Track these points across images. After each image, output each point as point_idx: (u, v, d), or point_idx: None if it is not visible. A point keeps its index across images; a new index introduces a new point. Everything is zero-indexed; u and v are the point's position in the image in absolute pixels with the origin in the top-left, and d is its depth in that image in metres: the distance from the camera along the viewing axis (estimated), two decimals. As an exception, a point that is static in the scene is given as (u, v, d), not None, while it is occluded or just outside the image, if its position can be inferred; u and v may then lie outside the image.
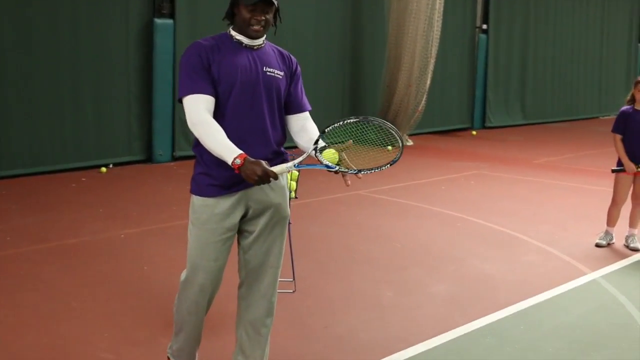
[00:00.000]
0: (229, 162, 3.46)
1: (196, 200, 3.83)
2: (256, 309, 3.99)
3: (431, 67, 14.53)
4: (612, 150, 14.54)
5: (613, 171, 7.50)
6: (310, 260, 6.62)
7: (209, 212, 3.77)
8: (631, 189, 7.48)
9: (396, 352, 4.77)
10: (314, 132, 3.84)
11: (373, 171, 3.65)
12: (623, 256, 7.17)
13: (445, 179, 11.17)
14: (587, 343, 5.05)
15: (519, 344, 4.97)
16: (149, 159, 11.75)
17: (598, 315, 5.59)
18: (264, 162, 3.47)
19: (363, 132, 3.67)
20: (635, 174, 7.34)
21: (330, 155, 3.64)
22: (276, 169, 3.52)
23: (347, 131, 3.68)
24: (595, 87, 22.47)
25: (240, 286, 4.05)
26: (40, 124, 10.43)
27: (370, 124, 3.66)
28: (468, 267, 6.67)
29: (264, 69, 3.75)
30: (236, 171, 3.47)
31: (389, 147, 3.74)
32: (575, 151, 14.77)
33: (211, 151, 3.56)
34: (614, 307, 5.75)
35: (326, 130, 3.67)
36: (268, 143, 3.77)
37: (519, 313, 5.55)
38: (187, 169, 11.24)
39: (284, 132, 3.91)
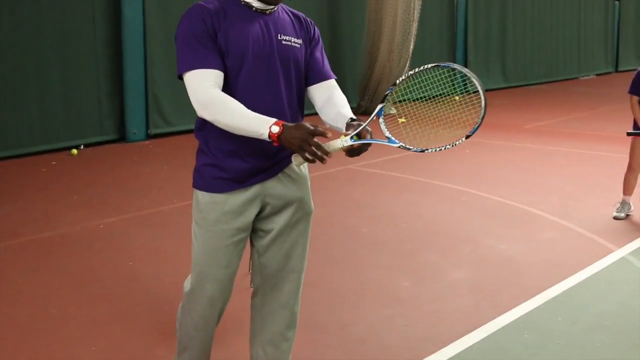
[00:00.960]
0: (264, 134, 2.82)
1: (202, 196, 3.17)
2: (275, 321, 3.38)
3: (414, 30, 13.89)
4: (602, 112, 14.11)
5: (629, 134, 6.94)
6: (311, 246, 5.99)
7: (219, 211, 3.13)
8: (650, 154, 6.94)
9: (427, 355, 4.20)
10: (344, 104, 3.17)
11: (443, 149, 3.06)
12: (646, 228, 6.66)
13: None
14: (634, 336, 4.51)
15: (561, 340, 4.42)
16: (122, 138, 11.03)
17: (638, 300, 5.05)
18: (307, 123, 2.81)
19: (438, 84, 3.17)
20: (653, 138, 6.80)
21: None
22: (327, 145, 2.84)
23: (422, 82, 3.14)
24: (574, 47, 22.00)
25: (254, 295, 3.43)
26: (4, 105, 9.66)
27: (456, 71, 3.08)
28: (484, 248, 6.11)
29: (279, 37, 3.09)
30: (275, 142, 2.82)
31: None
32: (564, 114, 14.26)
33: (235, 131, 2.90)
34: (654, 290, 5.22)
35: (397, 82, 3.09)
36: None
37: (552, 302, 4.99)
38: (163, 148, 10.57)
39: (303, 112, 3.27)
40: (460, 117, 3.30)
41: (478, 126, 3.00)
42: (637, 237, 6.39)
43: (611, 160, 9.75)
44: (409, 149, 3.04)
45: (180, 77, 3.02)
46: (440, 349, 4.28)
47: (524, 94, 18.01)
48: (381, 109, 3.06)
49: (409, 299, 5.04)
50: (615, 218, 6.89)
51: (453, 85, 3.38)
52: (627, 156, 7.11)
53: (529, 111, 14.73)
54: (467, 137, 3.01)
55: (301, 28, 3.19)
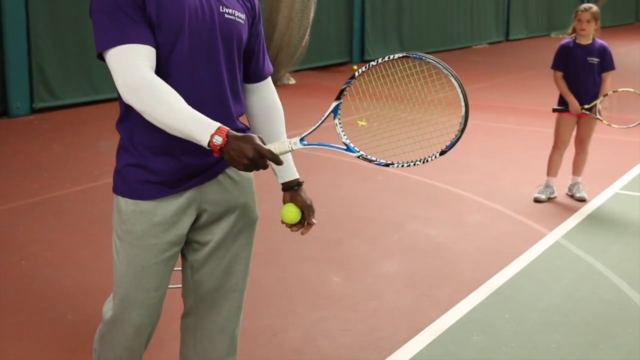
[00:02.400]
0: (203, 141, 2.29)
1: (125, 204, 2.58)
2: (213, 347, 2.82)
3: (315, -3, 13.36)
4: (501, 82, 14.05)
5: (554, 110, 6.67)
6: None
7: (146, 222, 2.55)
8: (574, 132, 6.69)
9: (372, 366, 3.77)
10: (282, 124, 2.78)
11: (411, 165, 2.56)
12: (573, 209, 6.42)
13: (345, 122, 10.12)
14: (587, 333, 4.21)
15: (514, 342, 4.07)
16: (4, 113, 10.06)
17: (583, 290, 4.77)
18: (256, 137, 2.30)
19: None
20: (579, 115, 6.54)
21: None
22: (274, 147, 2.37)
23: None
24: (467, 15, 21.93)
25: (185, 316, 2.86)
26: None
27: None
28: (413, 235, 5.72)
29: (221, 10, 2.52)
30: (216, 154, 2.29)
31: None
32: (465, 84, 13.87)
33: (167, 129, 2.34)
34: (596, 279, 4.95)
35: (356, 74, 2.58)
36: (229, 117, 2.58)
37: (495, 296, 4.65)
38: (51, 123, 9.74)
39: (243, 100, 2.73)
40: (434, 125, 2.80)
41: (457, 139, 2.51)
42: (565, 219, 6.15)
43: (519, 133, 9.57)
44: (370, 161, 2.56)
45: (100, 56, 2.42)
46: (384, 357, 3.86)
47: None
48: (337, 107, 2.56)
49: (342, 298, 4.59)
50: (536, 200, 6.61)
51: (424, 82, 2.87)
52: (535, 129, 6.82)
53: (429, 81, 14.45)
54: (442, 153, 2.51)
55: (247, 1, 2.64)
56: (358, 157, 2.56)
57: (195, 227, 2.66)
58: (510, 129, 9.90)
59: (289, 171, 2.74)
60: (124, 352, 2.74)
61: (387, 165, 2.53)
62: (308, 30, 13.51)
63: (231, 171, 2.65)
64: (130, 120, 2.51)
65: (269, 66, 2.78)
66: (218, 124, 2.30)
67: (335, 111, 2.58)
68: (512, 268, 5.07)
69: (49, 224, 5.81)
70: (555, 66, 6.68)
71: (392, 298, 4.61)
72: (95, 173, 7.02)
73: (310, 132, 2.52)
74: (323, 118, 2.54)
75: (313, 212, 2.74)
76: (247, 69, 2.71)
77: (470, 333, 4.15)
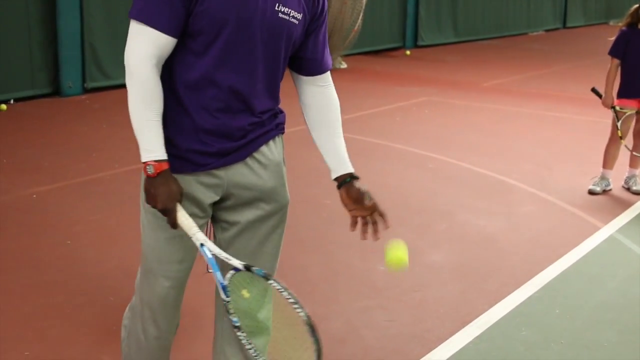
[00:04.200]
0: (142, 159, 2.37)
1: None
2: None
3: (368, -18, 13.18)
4: (557, 71, 13.71)
5: (593, 90, 6.47)
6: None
7: None
8: (633, 123, 6.46)
9: (417, 359, 3.65)
10: (338, 125, 2.69)
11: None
12: (628, 203, 6.21)
13: (396, 108, 10.00)
14: (642, 331, 4.05)
15: (564, 339, 3.92)
16: (56, 92, 10.12)
17: (638, 288, 4.58)
18: (178, 195, 2.38)
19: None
20: (638, 103, 6.32)
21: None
22: (184, 217, 2.40)
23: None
24: (523, 2, 21.53)
25: (217, 295, 2.80)
26: None
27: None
28: (462, 225, 5.58)
29: (276, 8, 2.42)
30: (144, 172, 2.38)
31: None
32: (520, 72, 13.78)
33: (131, 121, 2.37)
34: (652, 275, 4.77)
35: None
36: (252, 112, 2.52)
37: (545, 290, 4.50)
38: (102, 103, 9.76)
39: (278, 97, 2.64)
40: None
41: None
42: (620, 213, 5.95)
43: (576, 123, 9.32)
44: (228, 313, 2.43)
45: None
46: (430, 350, 3.75)
47: (475, 49, 17.49)
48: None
49: (388, 288, 4.49)
50: (590, 192, 6.41)
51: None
52: (592, 119, 6.61)
53: (485, 68, 14.21)
54: None
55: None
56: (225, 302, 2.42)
57: (223, 207, 2.60)
58: (566, 118, 9.65)
59: (342, 164, 2.64)
60: (151, 326, 2.70)
61: (236, 327, 2.43)
62: (361, 14, 13.34)
63: (259, 154, 2.58)
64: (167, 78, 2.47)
65: (327, 61, 2.67)
66: (162, 156, 2.36)
67: (224, 290, 2.42)
68: (563, 262, 4.90)
69: (96, 204, 5.80)
70: (614, 52, 6.45)
71: (438, 289, 4.49)
72: (144, 154, 7.00)
73: (214, 252, 2.40)
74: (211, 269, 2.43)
75: (375, 206, 2.69)
76: (302, 62, 2.62)
77: (518, 328, 4.01)
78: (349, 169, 2.64)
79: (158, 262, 2.60)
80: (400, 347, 3.78)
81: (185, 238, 2.50)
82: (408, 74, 13.34)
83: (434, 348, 3.76)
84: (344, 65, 13.62)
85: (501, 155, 7.57)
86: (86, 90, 10.32)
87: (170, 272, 2.61)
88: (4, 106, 9.21)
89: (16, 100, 9.59)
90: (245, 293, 2.41)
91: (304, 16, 2.49)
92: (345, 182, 2.62)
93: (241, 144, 2.52)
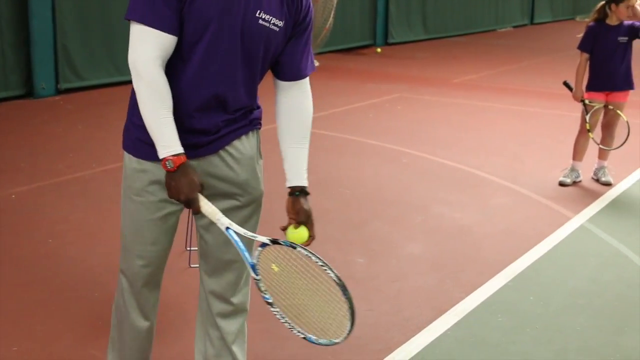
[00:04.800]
0: (160, 155, 2.48)
1: (128, 160, 2.70)
2: (209, 310, 2.93)
3: (338, -21, 13.28)
4: (525, 66, 13.90)
5: (565, 83, 6.64)
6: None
7: (145, 180, 2.67)
8: (601, 116, 6.63)
9: (397, 346, 3.77)
10: (305, 132, 2.73)
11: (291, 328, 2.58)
12: (598, 194, 6.37)
13: (368, 105, 10.12)
14: (612, 316, 4.19)
15: (538, 324, 4.06)
16: (29, 93, 10.11)
17: (609, 274, 4.74)
18: (198, 186, 2.50)
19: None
20: (607, 99, 6.49)
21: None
22: (207, 206, 2.53)
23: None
24: (491, -3, 21.78)
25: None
26: None
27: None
28: (436, 217, 5.71)
29: (257, 14, 2.52)
30: (164, 167, 2.49)
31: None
32: (490, 68, 13.97)
33: (144, 120, 2.48)
34: (621, 263, 4.93)
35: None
36: (226, 111, 2.65)
37: (519, 278, 4.64)
38: (75, 104, 9.77)
39: (255, 96, 2.75)
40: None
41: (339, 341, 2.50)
42: (590, 203, 6.11)
43: (546, 116, 9.50)
44: (261, 291, 2.55)
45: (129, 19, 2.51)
46: (410, 338, 3.86)
47: (445, 46, 17.67)
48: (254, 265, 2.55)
49: (366, 279, 4.60)
50: (561, 184, 6.57)
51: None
52: (561, 113, 6.78)
53: (455, 64, 14.39)
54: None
55: (291, 5, 2.59)
56: (256, 280, 2.54)
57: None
58: (535, 112, 9.83)
59: (297, 177, 2.70)
60: (131, 299, 2.85)
61: (269, 303, 2.55)
62: (332, 13, 13.45)
63: (232, 148, 2.70)
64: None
65: (304, 68, 2.72)
66: (180, 150, 2.48)
67: (254, 269, 2.55)
68: (536, 251, 5.05)
69: (75, 203, 5.86)
70: (583, 47, 6.62)
71: (416, 280, 4.61)
72: (120, 153, 6.90)
73: (237, 232, 2.53)
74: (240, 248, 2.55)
75: (311, 223, 2.70)
76: (279, 66, 2.70)
77: (494, 315, 4.14)
78: (303, 182, 2.70)
79: (133, 242, 2.77)
80: (380, 334, 3.89)
81: (160, 222, 2.71)
82: (379, 71, 13.47)
83: (413, 335, 3.88)
84: (316, 64, 13.66)
85: (473, 150, 7.72)
86: (59, 92, 10.32)
87: (144, 252, 2.77)
88: (-23, 108, 9.20)
89: (-11, 102, 9.58)
90: (275, 268, 2.52)
91: (286, 23, 2.58)
92: (295, 194, 2.69)
93: (213, 138, 2.64)
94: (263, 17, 2.52)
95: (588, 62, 6.58)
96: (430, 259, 4.92)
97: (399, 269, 4.75)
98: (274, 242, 2.48)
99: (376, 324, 4.02)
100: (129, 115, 2.68)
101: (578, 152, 6.65)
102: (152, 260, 2.79)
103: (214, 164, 2.67)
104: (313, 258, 2.40)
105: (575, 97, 6.54)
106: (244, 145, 2.71)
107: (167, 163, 2.47)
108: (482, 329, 3.98)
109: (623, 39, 6.45)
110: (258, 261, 2.52)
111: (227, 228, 2.52)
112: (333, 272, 2.37)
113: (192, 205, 2.50)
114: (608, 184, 6.58)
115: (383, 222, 5.60)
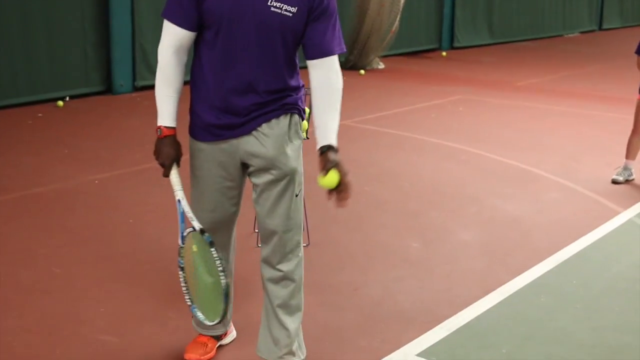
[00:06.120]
0: (157, 123, 3.20)
1: (190, 140, 3.30)
2: (262, 273, 3.37)
3: (405, -16, 13.62)
4: (591, 71, 13.99)
5: None
6: (313, 206, 5.81)
7: (201, 157, 3.25)
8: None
9: (444, 319, 4.10)
10: (333, 103, 3.09)
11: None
12: (649, 191, 6.59)
13: (431, 105, 10.43)
14: (652, 299, 4.46)
15: (578, 304, 4.35)
16: (108, 90, 10.73)
17: (651, 263, 5.00)
18: (174, 155, 3.17)
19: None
20: (660, 100, 6.69)
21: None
22: (173, 177, 3.19)
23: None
24: (559, 4, 21.78)
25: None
26: (-12, 55, 9.34)
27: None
28: (490, 209, 6.01)
29: (268, 3, 2.96)
30: (155, 133, 3.19)
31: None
32: (554, 72, 14.13)
33: (155, 95, 3.22)
34: (665, 253, 5.17)
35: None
36: (256, 93, 3.11)
37: (565, 264, 4.92)
38: (150, 101, 10.11)
39: (286, 80, 3.17)
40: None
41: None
42: (640, 199, 6.34)
43: (605, 119, 9.67)
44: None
45: None
46: (457, 312, 4.19)
47: (511, 50, 17.83)
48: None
49: (420, 261, 4.94)
50: (614, 181, 6.79)
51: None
52: (621, 116, 6.97)
53: (519, 68, 14.57)
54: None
55: None
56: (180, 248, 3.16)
57: (249, 172, 3.23)
58: (595, 115, 10.01)
59: (326, 138, 3.05)
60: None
61: (180, 267, 3.17)
62: (398, 16, 13.80)
63: (263, 128, 3.14)
64: (193, 71, 3.17)
65: (325, 47, 3.08)
66: (170, 124, 3.16)
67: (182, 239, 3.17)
68: (584, 241, 5.32)
69: (152, 189, 6.32)
70: (639, 51, 6.84)
71: (466, 263, 4.93)
72: (194, 146, 7.52)
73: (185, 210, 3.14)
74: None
75: (343, 171, 2.99)
76: (304, 47, 3.10)
77: (537, 295, 4.45)
78: (331, 141, 3.04)
79: (196, 208, 3.27)
80: (431, 308, 4.23)
81: (217, 194, 3.24)
82: (444, 74, 13.75)
83: (460, 310, 4.21)
84: (381, 66, 14.05)
85: (531, 149, 7.98)
86: (136, 89, 10.90)
87: (205, 217, 3.25)
88: (61, 102, 9.81)
89: (72, 97, 10.18)
90: (195, 248, 3.09)
91: (300, 9, 2.98)
92: (323, 151, 3.03)
93: (245, 120, 3.13)
94: (274, 4, 2.95)
95: None
96: (482, 245, 5.23)
97: (451, 253, 5.08)
98: (202, 232, 3.02)
99: (426, 299, 4.36)
100: (191, 100, 3.24)
101: (631, 152, 6.87)
102: (211, 225, 3.26)
103: (250, 143, 3.15)
104: (217, 262, 2.94)
105: None
106: (273, 127, 3.15)
107: (158, 131, 3.14)
108: (524, 307, 4.29)
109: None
110: (186, 235, 3.08)
111: (179, 201, 3.09)
112: (225, 279, 2.92)
113: (164, 169, 3.16)
114: (660, 183, 6.78)
115: (439, 212, 5.93)
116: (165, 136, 3.13)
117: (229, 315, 3.58)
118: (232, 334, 3.73)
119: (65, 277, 4.54)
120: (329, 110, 3.09)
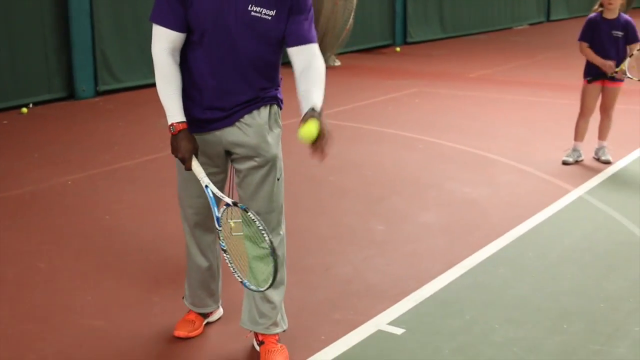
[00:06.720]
0: (168, 121, 3.31)
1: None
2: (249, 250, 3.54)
3: (357, -18, 13.95)
4: (539, 60, 14.43)
5: (589, 82, 7.15)
6: (283, 196, 6.14)
7: None
8: (599, 99, 7.23)
9: (411, 292, 4.42)
10: (316, 82, 3.28)
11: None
12: (597, 170, 6.98)
13: (388, 99, 10.77)
14: (600, 266, 4.82)
15: (535, 274, 4.70)
16: (71, 95, 10.88)
17: (599, 234, 5.37)
18: (192, 149, 3.29)
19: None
20: (602, 83, 7.08)
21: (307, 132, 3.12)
22: (196, 165, 3.31)
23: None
24: (507, -4, 22.30)
25: None
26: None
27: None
28: (449, 192, 6.35)
29: (248, 8, 3.24)
30: (169, 131, 3.31)
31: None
32: (505, 63, 14.57)
33: (159, 95, 3.32)
34: (612, 225, 5.55)
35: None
36: (243, 92, 3.39)
37: (521, 239, 5.27)
38: (114, 104, 10.51)
39: (272, 78, 3.47)
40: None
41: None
42: (589, 178, 6.71)
43: (555, 106, 10.09)
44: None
45: None
46: (423, 285, 4.51)
47: (462, 43, 18.27)
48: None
49: (385, 242, 5.25)
50: (564, 163, 7.17)
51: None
52: (570, 102, 7.36)
53: (471, 60, 14.99)
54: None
55: None
56: (218, 231, 3.25)
57: (233, 159, 3.51)
58: (545, 102, 10.43)
59: (309, 104, 3.19)
60: (190, 240, 3.71)
61: (224, 250, 3.22)
62: (352, 14, 14.12)
63: (245, 119, 3.42)
64: (181, 70, 3.37)
65: (310, 34, 3.36)
66: (181, 119, 3.27)
67: (218, 222, 3.26)
68: (537, 218, 5.67)
69: (125, 188, 6.55)
70: (582, 38, 7.24)
71: (429, 241, 5.25)
72: (161, 145, 7.73)
73: (214, 192, 3.27)
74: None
75: (322, 121, 3.09)
76: (286, 38, 3.35)
77: (497, 267, 4.78)
78: (313, 105, 3.16)
79: (183, 194, 3.62)
80: (398, 283, 4.55)
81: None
82: (399, 68, 14.11)
83: (425, 284, 4.53)
84: (338, 63, 14.37)
85: (485, 135, 8.35)
86: (98, 93, 11.07)
87: (192, 202, 3.59)
88: (25, 109, 9.95)
89: (35, 104, 10.32)
90: (232, 223, 3.25)
91: (279, 11, 3.26)
92: (305, 113, 3.21)
93: (229, 114, 3.40)
94: (254, 9, 3.23)
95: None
96: (442, 226, 5.56)
97: (414, 234, 5.40)
98: (235, 204, 3.18)
99: (394, 275, 4.67)
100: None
101: (579, 134, 7.26)
102: (199, 209, 3.58)
103: (234, 133, 3.42)
104: (257, 223, 3.07)
105: (607, 68, 6.94)
106: (254, 117, 3.42)
107: (171, 128, 3.27)
108: (485, 278, 4.63)
109: (617, 33, 7.03)
110: (221, 215, 3.22)
111: (206, 186, 3.28)
112: (268, 236, 3.04)
113: (185, 163, 3.27)
114: (607, 162, 7.17)
115: (401, 197, 6.25)
116: (179, 131, 3.26)
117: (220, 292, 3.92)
118: (219, 312, 4.02)
119: (50, 271, 4.77)
120: (313, 86, 3.25)
